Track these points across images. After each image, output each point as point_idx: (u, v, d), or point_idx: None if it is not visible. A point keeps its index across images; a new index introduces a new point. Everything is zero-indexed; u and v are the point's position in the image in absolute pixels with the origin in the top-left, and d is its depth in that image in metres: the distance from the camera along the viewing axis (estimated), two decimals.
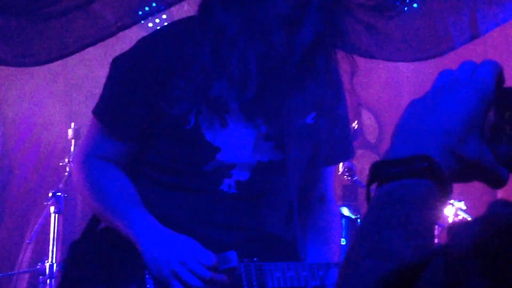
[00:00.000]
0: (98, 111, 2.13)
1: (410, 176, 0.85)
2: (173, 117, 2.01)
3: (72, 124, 5.02)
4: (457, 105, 0.89)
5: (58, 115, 5.94)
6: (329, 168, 2.28)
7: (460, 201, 4.60)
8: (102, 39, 4.43)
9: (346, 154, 2.33)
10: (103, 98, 2.13)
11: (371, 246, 0.79)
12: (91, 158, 2.11)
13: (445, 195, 0.87)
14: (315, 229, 2.22)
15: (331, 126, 2.17)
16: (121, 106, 2.08)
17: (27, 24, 4.50)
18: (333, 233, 2.24)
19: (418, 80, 5.90)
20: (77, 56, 5.68)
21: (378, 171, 0.87)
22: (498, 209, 0.74)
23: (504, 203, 0.74)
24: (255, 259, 2.00)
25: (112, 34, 4.40)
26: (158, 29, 2.15)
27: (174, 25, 2.16)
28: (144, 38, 2.13)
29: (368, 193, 0.88)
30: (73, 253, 2.12)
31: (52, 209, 4.60)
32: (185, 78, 1.99)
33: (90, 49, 5.55)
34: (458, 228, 0.74)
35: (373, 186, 0.88)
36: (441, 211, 0.87)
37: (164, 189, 2.10)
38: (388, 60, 5.13)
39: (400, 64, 5.81)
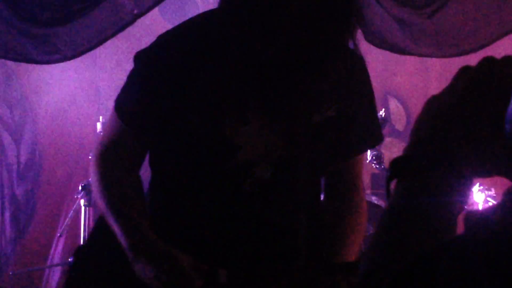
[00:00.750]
0: (118, 106, 2.11)
1: (430, 170, 0.85)
2: (193, 115, 1.99)
3: (101, 118, 5.06)
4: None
5: (87, 109, 5.97)
6: (357, 158, 2.23)
7: (489, 188, 4.57)
8: (121, 29, 4.47)
9: (373, 141, 2.28)
10: (123, 93, 2.13)
11: (391, 240, 0.80)
12: (108, 155, 2.11)
13: (465, 189, 0.87)
14: (341, 221, 2.17)
15: (354, 116, 2.13)
16: (141, 102, 2.06)
17: (52, 24, 4.55)
18: (358, 224, 2.19)
19: (446, 67, 5.85)
20: (105, 50, 5.73)
21: (397, 167, 0.87)
22: None
23: None
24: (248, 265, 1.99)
25: (130, 23, 4.42)
26: (180, 24, 2.12)
27: (195, 21, 2.13)
28: (165, 34, 2.11)
29: (388, 189, 0.89)
30: (77, 260, 2.13)
31: (82, 202, 4.64)
32: (200, 78, 1.98)
33: (118, 43, 5.60)
34: (474, 217, 0.74)
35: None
36: (463, 205, 0.87)
37: (185, 187, 2.08)
38: (422, 56, 5.10)
39: None
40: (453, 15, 4.71)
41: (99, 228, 2.15)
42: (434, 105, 0.93)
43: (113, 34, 4.54)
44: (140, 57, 2.10)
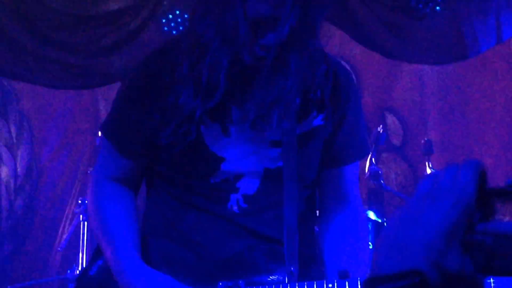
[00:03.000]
0: (105, 129, 2.15)
1: None
2: (175, 130, 1.99)
3: (99, 133, 5.07)
4: (438, 217, 0.90)
5: (85, 124, 6.00)
6: (347, 167, 2.18)
7: None
8: None
9: (360, 153, 2.24)
10: (110, 114, 2.16)
11: None
12: (102, 180, 2.13)
13: None
14: (338, 234, 2.15)
15: (342, 125, 2.11)
16: (126, 122, 2.08)
17: (67, 56, 4.62)
18: (357, 237, 2.15)
19: (442, 82, 5.88)
20: None
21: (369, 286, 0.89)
22: None
23: None
24: (240, 282, 1.96)
25: None
26: (161, 44, 2.15)
27: (176, 38, 2.15)
28: (149, 53, 2.14)
29: None
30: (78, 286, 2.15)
31: (81, 217, 4.65)
32: (179, 91, 1.98)
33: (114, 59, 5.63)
34: None
35: None
36: None
37: (175, 204, 2.08)
38: (411, 62, 5.12)
39: (424, 66, 5.81)
40: (444, 21, 4.73)
41: (97, 255, 2.15)
42: (400, 221, 0.94)
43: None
44: (126, 78, 2.14)
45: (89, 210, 2.16)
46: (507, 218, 0.91)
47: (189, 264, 2.03)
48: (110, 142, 2.12)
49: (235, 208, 2.03)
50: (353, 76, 2.19)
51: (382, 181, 4.65)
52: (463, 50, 4.80)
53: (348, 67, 2.19)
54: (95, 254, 2.16)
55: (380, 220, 4.54)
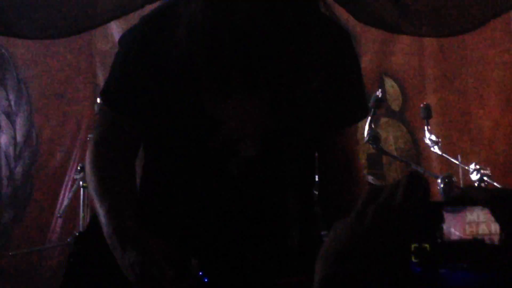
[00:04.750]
0: (103, 94, 2.13)
1: None
2: (174, 94, 1.98)
3: (98, 100, 5.07)
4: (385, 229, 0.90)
5: (84, 90, 5.99)
6: (346, 129, 2.16)
7: (485, 167, 4.58)
8: (127, 12, 4.41)
9: (359, 114, 2.20)
10: (108, 79, 2.14)
11: None
12: (101, 145, 2.11)
13: None
14: (337, 199, 2.13)
15: (340, 86, 2.08)
16: (124, 86, 2.06)
17: None
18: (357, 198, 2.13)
19: (442, 46, 5.87)
20: (101, 32, 5.74)
21: None
22: None
23: None
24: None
25: (137, 8, 4.36)
26: (160, 4, 2.12)
27: (171, 2, 2.11)
28: (146, 14, 2.13)
29: None
30: (77, 247, 2.15)
31: (81, 183, 4.67)
32: (177, 54, 1.96)
33: (113, 25, 5.61)
34: None
35: None
36: None
37: (173, 170, 2.07)
38: (415, 35, 5.09)
39: None
40: None
41: (94, 222, 2.12)
42: (341, 236, 0.94)
43: (118, 16, 4.50)
44: (121, 40, 2.12)
45: (86, 171, 2.15)
46: (453, 227, 0.91)
47: (187, 228, 2.02)
48: (109, 106, 2.11)
49: (235, 171, 2.02)
50: (351, 37, 2.17)
51: (381, 145, 4.66)
52: (467, 23, 4.78)
53: (346, 28, 2.17)
54: (93, 217, 2.17)
55: (378, 184, 4.55)
